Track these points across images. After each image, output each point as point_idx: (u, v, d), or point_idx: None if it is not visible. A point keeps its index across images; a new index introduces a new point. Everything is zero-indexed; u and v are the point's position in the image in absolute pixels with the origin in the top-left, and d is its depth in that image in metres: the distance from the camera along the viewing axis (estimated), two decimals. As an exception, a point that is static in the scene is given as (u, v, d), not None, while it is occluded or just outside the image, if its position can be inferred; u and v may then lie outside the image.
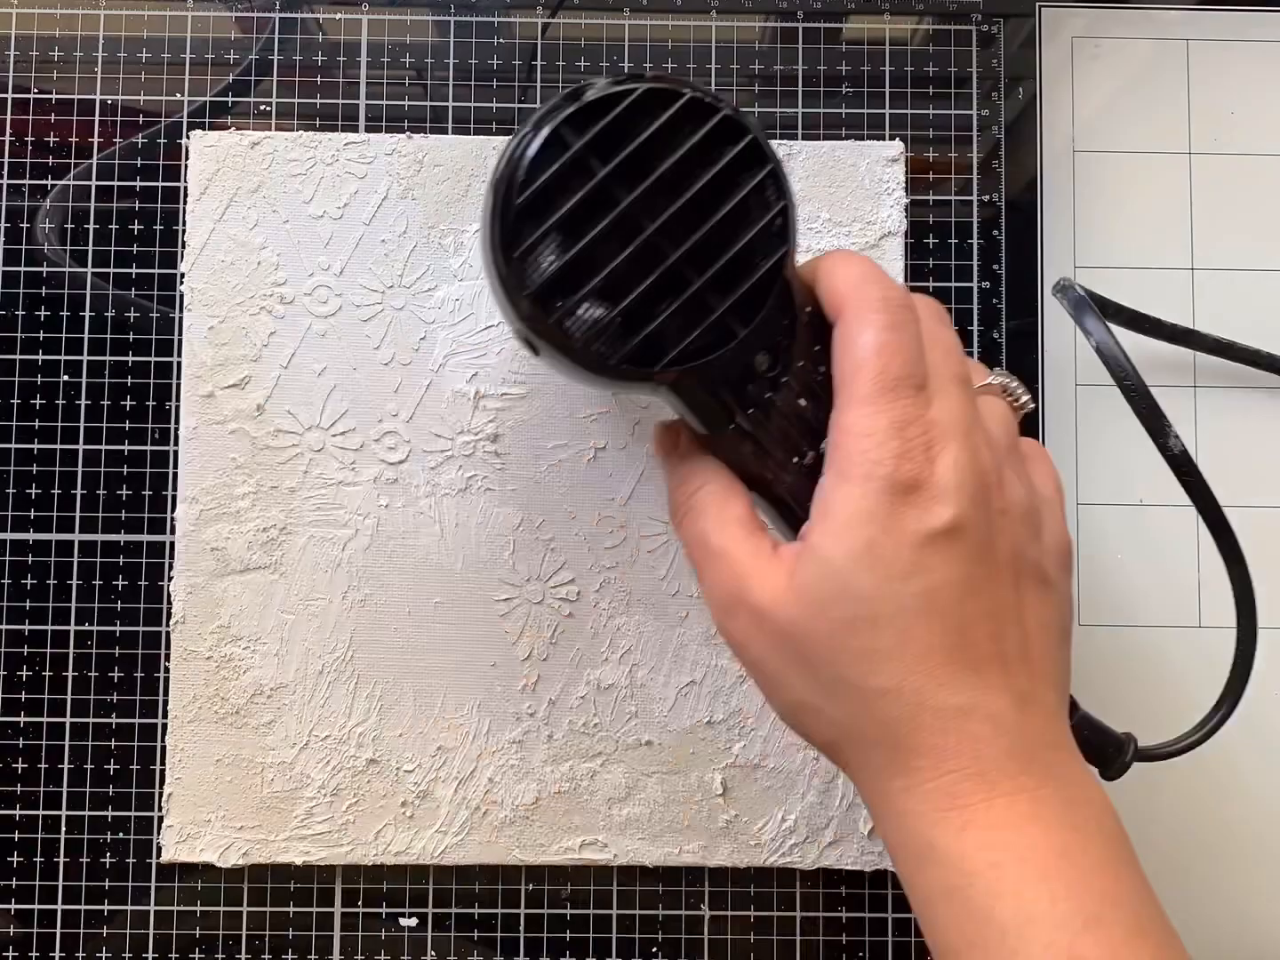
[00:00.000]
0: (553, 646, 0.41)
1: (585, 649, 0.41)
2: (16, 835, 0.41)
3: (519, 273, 0.28)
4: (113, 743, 0.42)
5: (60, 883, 0.41)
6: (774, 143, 0.43)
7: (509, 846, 0.41)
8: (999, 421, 0.31)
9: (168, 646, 0.41)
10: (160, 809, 0.41)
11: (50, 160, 0.43)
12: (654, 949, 0.42)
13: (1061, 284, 0.41)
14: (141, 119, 0.43)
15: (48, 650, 0.42)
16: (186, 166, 0.42)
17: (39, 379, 0.43)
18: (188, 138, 0.42)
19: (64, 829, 0.41)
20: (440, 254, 0.42)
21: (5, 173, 0.43)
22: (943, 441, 0.28)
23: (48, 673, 0.42)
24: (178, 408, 0.42)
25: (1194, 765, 0.42)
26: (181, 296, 0.42)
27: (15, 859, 0.41)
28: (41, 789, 0.42)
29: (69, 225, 0.43)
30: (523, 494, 0.41)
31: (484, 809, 0.41)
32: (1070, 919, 0.26)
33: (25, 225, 0.43)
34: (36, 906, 0.41)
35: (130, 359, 0.43)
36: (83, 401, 0.42)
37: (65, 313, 0.43)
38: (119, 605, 0.42)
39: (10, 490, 0.42)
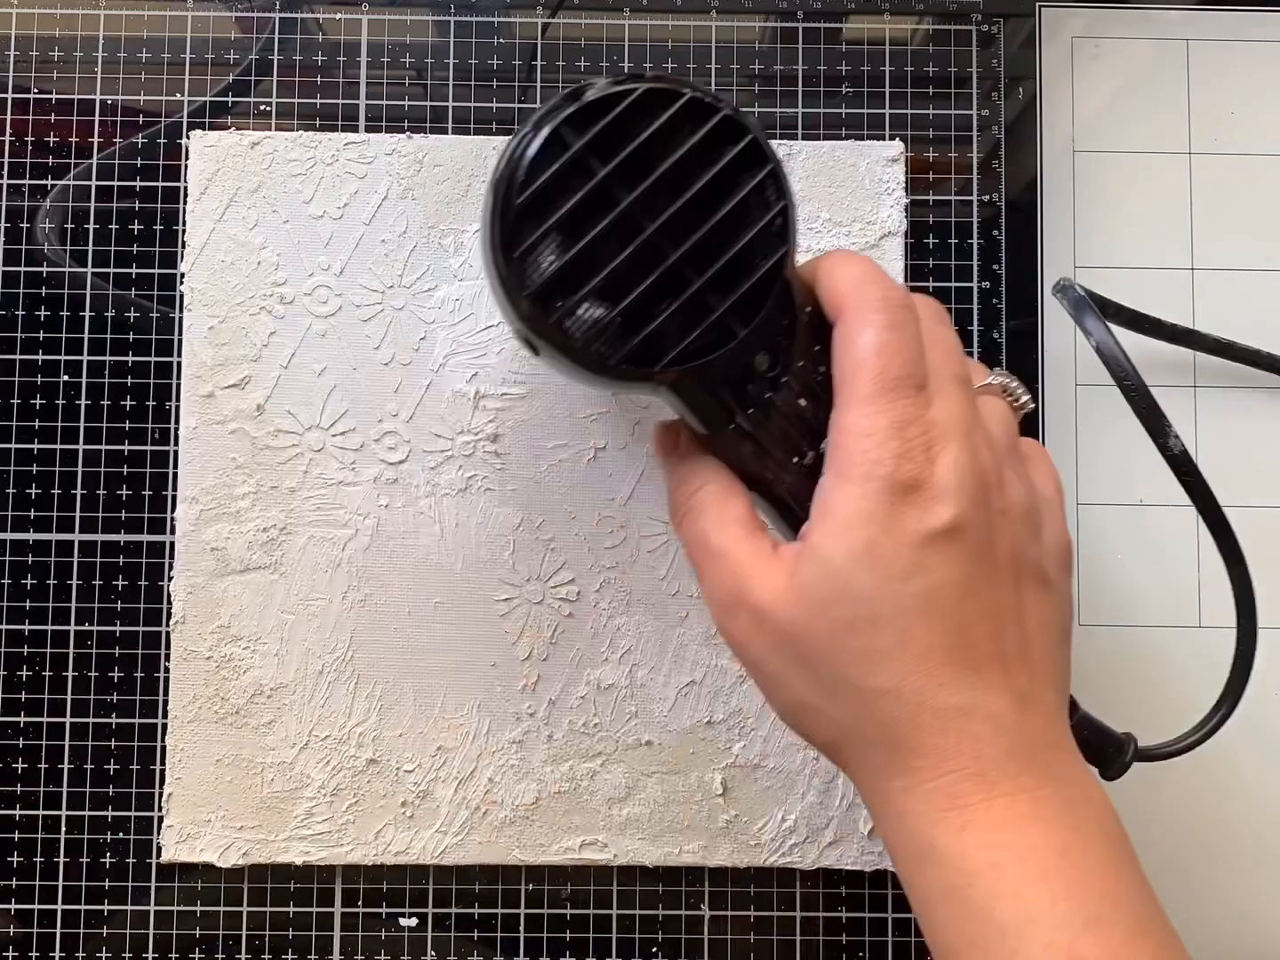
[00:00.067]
0: (553, 646, 0.41)
1: (585, 649, 0.41)
2: (16, 835, 0.41)
3: (519, 273, 0.28)
4: (113, 743, 0.42)
5: (60, 883, 0.41)
6: (774, 143, 0.43)
7: (509, 846, 0.41)
8: (999, 421, 0.31)
9: (168, 646, 0.41)
10: (160, 809, 0.41)
11: (50, 160, 0.43)
12: (654, 949, 0.42)
13: (1061, 284, 0.41)
14: (141, 119, 0.43)
15: (48, 650, 0.42)
16: (186, 166, 0.42)
17: (39, 379, 0.43)
18: (188, 138, 0.42)
19: (64, 829, 0.41)
20: (440, 254, 0.42)
21: (5, 173, 0.43)
22: (943, 441, 0.28)
23: (48, 673, 0.42)
24: (178, 408, 0.42)
25: (1194, 765, 0.42)
26: (181, 296, 0.42)
27: (15, 859, 0.41)
28: (41, 789, 0.42)
29: (69, 225, 0.43)
30: (523, 494, 0.41)
31: (484, 809, 0.41)
32: (1070, 919, 0.26)
33: (25, 225, 0.43)
34: (36, 906, 0.41)
35: (130, 359, 0.43)
36: (83, 401, 0.42)
37: (65, 313, 0.43)
38: (119, 605, 0.42)
39: (10, 490, 0.42)
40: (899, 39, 0.45)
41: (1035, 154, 0.44)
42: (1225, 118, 0.45)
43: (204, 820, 0.41)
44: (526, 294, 0.28)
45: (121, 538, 0.42)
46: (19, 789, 0.41)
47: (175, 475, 0.42)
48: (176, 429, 0.42)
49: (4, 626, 0.42)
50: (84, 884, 0.41)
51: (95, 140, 0.43)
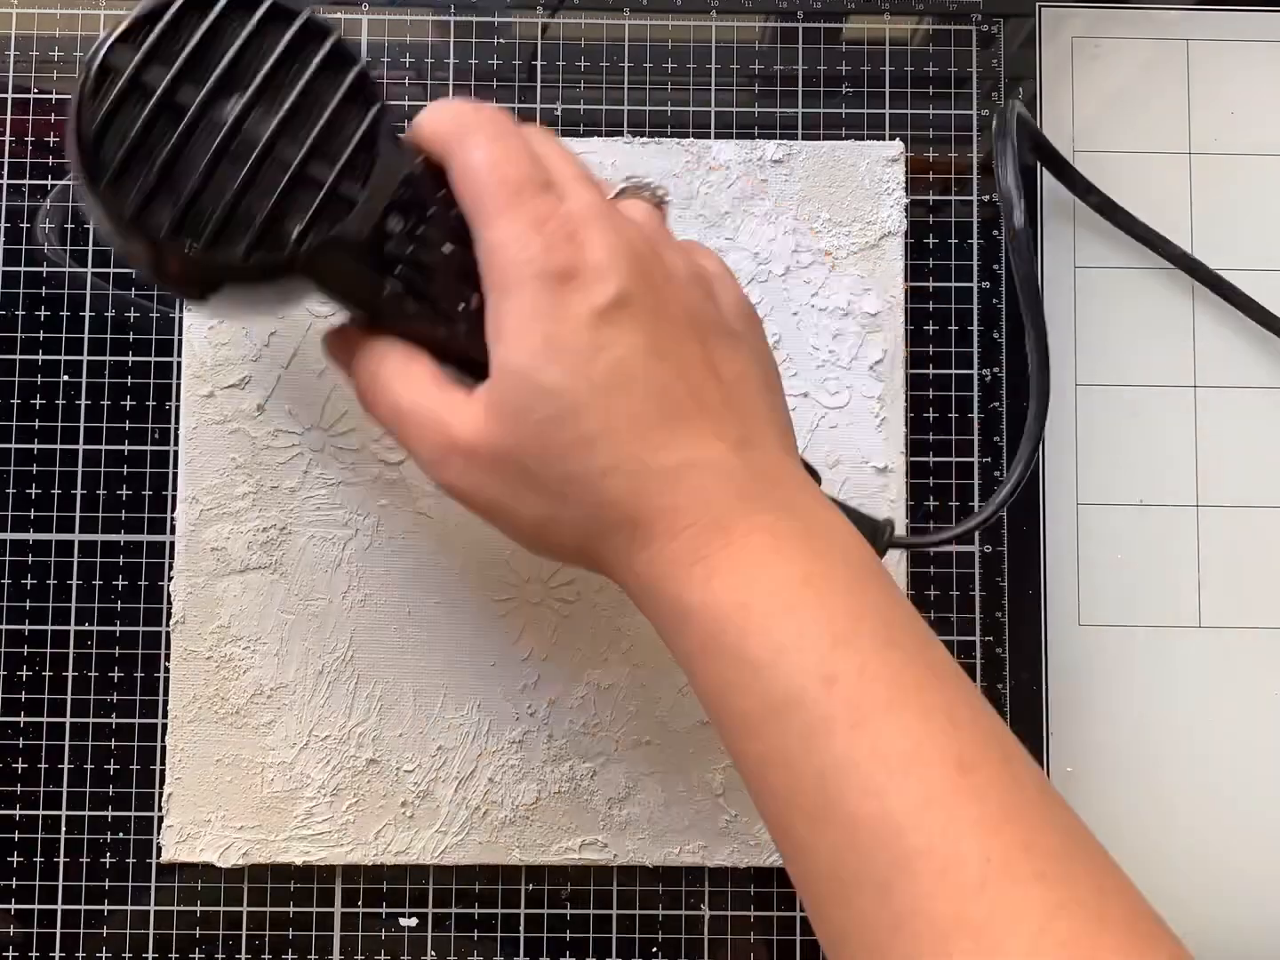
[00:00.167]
0: (553, 646, 0.41)
1: (585, 649, 0.41)
2: (16, 835, 0.41)
3: (115, 206, 0.28)
4: (113, 743, 0.42)
5: (60, 883, 0.41)
6: (774, 143, 0.43)
7: (509, 846, 0.41)
8: (641, 212, 0.32)
9: (168, 646, 0.41)
10: (160, 809, 0.41)
11: (50, 160, 0.43)
12: (654, 949, 0.42)
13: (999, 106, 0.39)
14: (141, 119, 0.43)
15: (48, 650, 0.42)
16: (186, 166, 0.42)
17: (39, 379, 0.43)
18: (188, 138, 0.42)
19: (64, 829, 0.41)
20: (440, 254, 0.42)
21: (5, 173, 0.43)
22: (585, 228, 0.29)
23: (48, 673, 0.42)
24: (178, 408, 0.42)
25: (1195, 766, 0.42)
26: (181, 296, 0.42)
27: (15, 859, 0.41)
28: (41, 789, 0.42)
29: (69, 225, 0.43)
30: (523, 494, 0.41)
31: (484, 809, 0.41)
32: (818, 641, 0.26)
33: (25, 225, 0.43)
34: (36, 906, 0.41)
35: (130, 359, 0.43)
36: (83, 401, 0.42)
37: (65, 313, 0.43)
38: (119, 605, 0.42)
39: (10, 490, 0.42)
40: (899, 39, 0.45)
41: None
42: (1225, 118, 0.45)
43: (204, 820, 0.41)
44: (129, 224, 0.28)
45: (121, 538, 0.42)
46: (19, 789, 0.41)
47: (175, 475, 0.42)
48: (176, 429, 0.42)
49: (4, 626, 0.42)
50: (84, 884, 0.41)
51: (95, 140, 0.43)
